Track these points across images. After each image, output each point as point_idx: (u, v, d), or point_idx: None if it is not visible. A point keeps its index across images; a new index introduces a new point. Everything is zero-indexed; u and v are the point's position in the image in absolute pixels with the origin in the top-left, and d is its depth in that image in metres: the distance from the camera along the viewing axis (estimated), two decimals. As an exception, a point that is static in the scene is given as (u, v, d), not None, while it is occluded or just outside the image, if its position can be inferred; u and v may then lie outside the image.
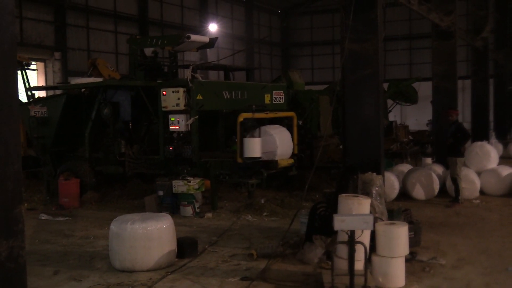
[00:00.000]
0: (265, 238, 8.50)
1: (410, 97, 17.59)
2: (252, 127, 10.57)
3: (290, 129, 11.45)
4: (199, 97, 11.09)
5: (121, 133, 12.40)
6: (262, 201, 11.17)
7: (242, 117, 10.55)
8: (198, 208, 10.57)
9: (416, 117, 30.19)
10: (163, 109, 11.26)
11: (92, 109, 12.53)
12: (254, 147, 10.35)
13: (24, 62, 13.64)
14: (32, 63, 17.11)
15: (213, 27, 32.34)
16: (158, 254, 6.96)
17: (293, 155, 11.40)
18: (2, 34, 3.31)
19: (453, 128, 11.37)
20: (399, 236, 6.27)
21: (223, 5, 35.86)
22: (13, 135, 3.42)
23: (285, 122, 11.58)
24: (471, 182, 11.56)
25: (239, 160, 10.53)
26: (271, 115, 11.56)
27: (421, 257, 7.14)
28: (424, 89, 18.23)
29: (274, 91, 12.95)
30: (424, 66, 34.69)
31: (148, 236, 6.93)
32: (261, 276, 6.56)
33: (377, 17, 8.08)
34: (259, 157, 10.46)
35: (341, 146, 12.91)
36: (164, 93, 11.15)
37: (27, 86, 13.48)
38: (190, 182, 10.51)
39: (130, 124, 12.56)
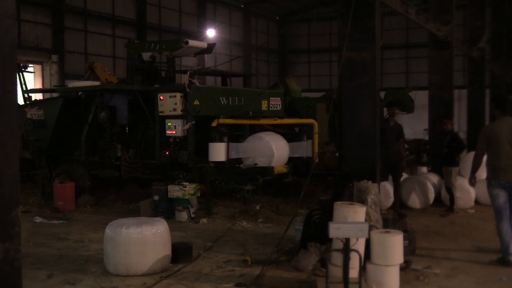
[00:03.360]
0: (260, 245, 8.49)
1: (407, 106, 17.65)
2: None
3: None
4: (196, 102, 11.11)
5: (118, 137, 12.40)
6: (258, 207, 11.17)
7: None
8: (193, 213, 10.56)
9: (412, 126, 30.25)
10: (160, 114, 11.27)
11: (88, 113, 12.54)
12: None
13: (21, 64, 13.65)
14: (29, 65, 17.11)
15: (211, 33, 32.39)
16: (152, 258, 6.95)
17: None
18: (2, 38, 3.33)
19: (448, 138, 11.41)
20: (393, 245, 6.29)
21: (221, 11, 35.94)
22: (11, 137, 3.43)
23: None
24: (466, 192, 11.58)
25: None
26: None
27: (416, 266, 7.16)
28: (421, 98, 18.28)
29: (271, 98, 12.99)
30: (420, 75, 34.77)
31: (143, 240, 6.92)
32: (255, 282, 6.56)
33: (375, 25, 8.12)
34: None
35: (337, 154, 12.95)
36: (161, 98, 11.17)
37: (24, 89, 13.48)
38: (185, 187, 10.51)
39: (127, 128, 12.56)
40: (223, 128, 10.71)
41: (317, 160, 11.33)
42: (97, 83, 13.30)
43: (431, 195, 11.77)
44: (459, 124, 25.11)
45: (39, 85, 23.48)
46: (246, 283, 6.52)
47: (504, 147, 7.45)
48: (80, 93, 13.12)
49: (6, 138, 3.38)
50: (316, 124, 12.03)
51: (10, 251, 3.44)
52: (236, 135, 12.43)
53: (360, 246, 6.05)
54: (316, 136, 11.87)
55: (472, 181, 8.05)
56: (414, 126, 29.38)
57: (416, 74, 37.06)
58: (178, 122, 11.07)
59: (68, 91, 13.26)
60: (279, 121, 12.44)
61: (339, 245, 5.86)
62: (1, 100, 3.36)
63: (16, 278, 3.53)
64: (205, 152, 12.06)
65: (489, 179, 7.64)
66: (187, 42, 11.73)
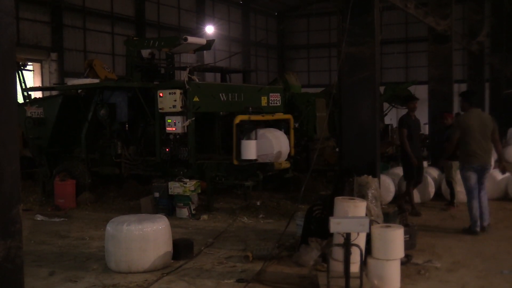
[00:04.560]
0: (261, 240, 8.51)
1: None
2: (249, 129, 10.61)
3: (287, 132, 11.57)
4: (196, 99, 11.10)
5: (118, 134, 12.39)
6: (258, 203, 11.18)
7: (238, 119, 10.60)
8: (194, 210, 10.57)
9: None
10: (160, 111, 11.26)
11: (88, 110, 12.53)
12: (250, 150, 10.42)
13: (20, 63, 13.61)
14: (29, 63, 17.09)
15: (209, 29, 32.37)
16: (154, 255, 6.96)
17: (289, 157, 11.48)
18: (1, 35, 3.33)
19: (448, 132, 11.40)
20: (394, 239, 6.29)
21: (220, 7, 35.92)
22: (11, 135, 3.43)
23: (282, 125, 11.68)
24: (467, 186, 11.56)
25: (236, 162, 10.58)
26: (268, 117, 11.61)
27: (417, 260, 7.16)
28: (420, 92, 18.23)
29: (270, 94, 12.97)
30: (420, 69, 34.79)
31: (144, 237, 6.93)
32: (256, 278, 6.57)
33: (374, 20, 8.12)
34: (255, 160, 10.54)
35: (337, 149, 12.96)
36: (161, 94, 11.16)
37: (24, 87, 13.45)
38: (186, 184, 10.51)
39: (127, 125, 12.55)
40: (249, 124, 10.66)
41: (293, 153, 11.55)
42: (96, 80, 13.29)
43: (432, 189, 11.77)
44: (459, 118, 25.08)
45: (38, 83, 23.48)
46: (248, 279, 6.53)
47: (476, 135, 8.71)
48: (79, 90, 13.11)
49: (6, 135, 3.39)
50: (292, 119, 12.00)
51: (11, 249, 3.44)
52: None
53: (361, 240, 6.05)
54: (292, 131, 11.88)
55: (441, 165, 9.55)
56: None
57: (415, 68, 37.06)
58: (178, 119, 11.06)
59: (67, 89, 13.25)
60: (259, 117, 12.30)
61: (340, 240, 5.87)
62: (0, 97, 3.36)
63: (18, 276, 3.54)
64: (205, 149, 12.08)
65: (462, 163, 8.90)
66: (186, 39, 11.71)
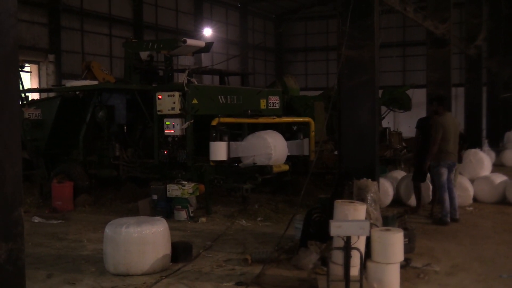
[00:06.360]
0: (259, 243, 8.49)
1: (404, 104, 17.66)
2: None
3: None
4: (195, 101, 11.09)
5: (116, 137, 12.37)
6: (257, 206, 11.16)
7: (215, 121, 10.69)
8: (192, 212, 10.55)
9: (409, 124, 30.24)
10: (158, 113, 11.25)
11: (86, 112, 12.51)
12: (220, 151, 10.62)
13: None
14: (26, 65, 17.06)
15: (207, 32, 32.37)
16: (152, 258, 6.94)
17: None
18: (4, 36, 3.32)
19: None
20: (394, 243, 6.29)
21: (218, 10, 35.91)
22: (13, 137, 3.42)
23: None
24: (465, 190, 11.58)
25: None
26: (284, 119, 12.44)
27: (416, 264, 7.16)
28: (418, 96, 18.31)
29: (269, 97, 12.98)
30: (417, 73, 34.85)
31: (143, 240, 6.91)
32: (255, 281, 6.56)
33: (374, 23, 8.12)
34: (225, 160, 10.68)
35: (335, 152, 12.96)
36: (160, 97, 11.15)
37: (21, 88, 13.43)
38: (184, 186, 10.49)
39: (125, 127, 12.53)
40: (223, 126, 10.71)
41: (312, 158, 11.41)
42: (95, 82, 13.27)
43: (430, 193, 11.75)
44: (456, 122, 25.12)
45: (35, 85, 23.41)
46: (247, 282, 6.52)
47: (450, 136, 9.83)
48: (77, 92, 13.08)
49: (8, 137, 3.38)
50: (312, 122, 12.13)
51: (13, 251, 3.43)
52: (234, 134, 12.42)
53: (361, 244, 6.05)
54: (312, 135, 11.93)
55: (427, 167, 10.13)
56: (412, 124, 29.36)
57: (413, 72, 37.11)
58: (177, 121, 11.05)
59: (66, 91, 13.23)
60: (277, 120, 12.42)
61: (339, 243, 5.86)
62: (3, 99, 3.35)
63: (19, 278, 3.52)
64: (203, 151, 12.06)
65: (438, 160, 9.87)
66: (185, 41, 11.71)
